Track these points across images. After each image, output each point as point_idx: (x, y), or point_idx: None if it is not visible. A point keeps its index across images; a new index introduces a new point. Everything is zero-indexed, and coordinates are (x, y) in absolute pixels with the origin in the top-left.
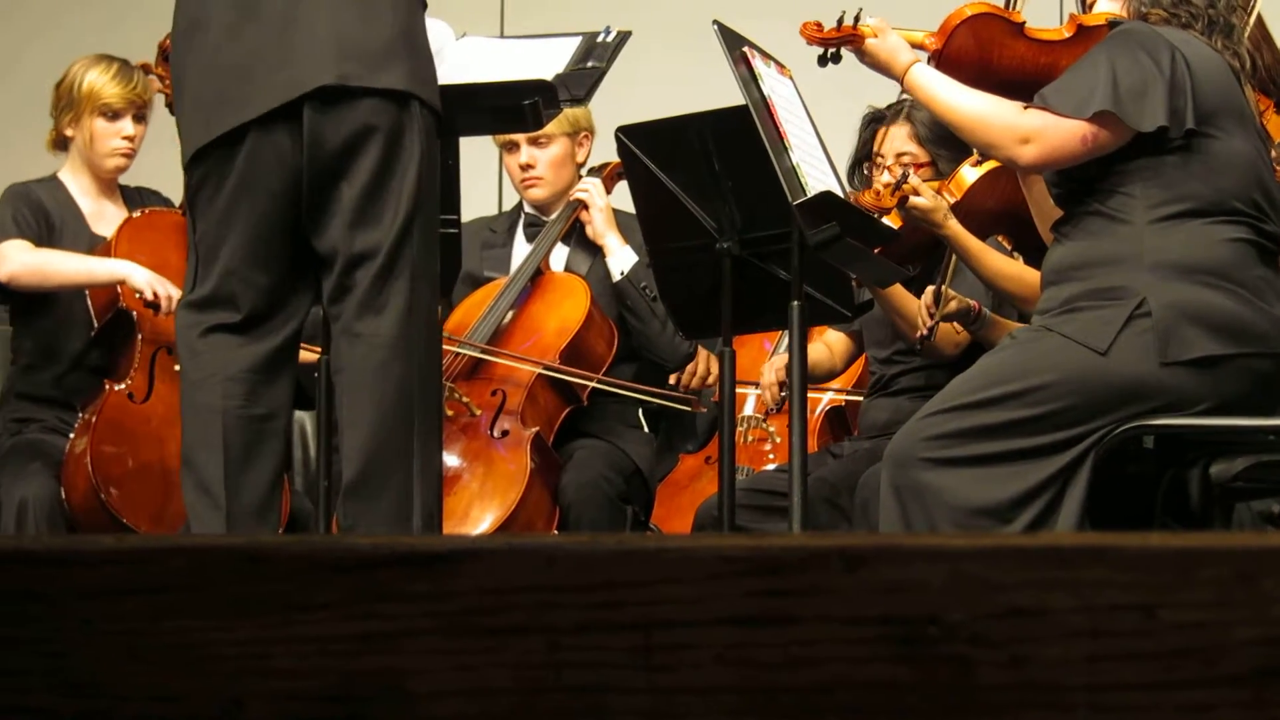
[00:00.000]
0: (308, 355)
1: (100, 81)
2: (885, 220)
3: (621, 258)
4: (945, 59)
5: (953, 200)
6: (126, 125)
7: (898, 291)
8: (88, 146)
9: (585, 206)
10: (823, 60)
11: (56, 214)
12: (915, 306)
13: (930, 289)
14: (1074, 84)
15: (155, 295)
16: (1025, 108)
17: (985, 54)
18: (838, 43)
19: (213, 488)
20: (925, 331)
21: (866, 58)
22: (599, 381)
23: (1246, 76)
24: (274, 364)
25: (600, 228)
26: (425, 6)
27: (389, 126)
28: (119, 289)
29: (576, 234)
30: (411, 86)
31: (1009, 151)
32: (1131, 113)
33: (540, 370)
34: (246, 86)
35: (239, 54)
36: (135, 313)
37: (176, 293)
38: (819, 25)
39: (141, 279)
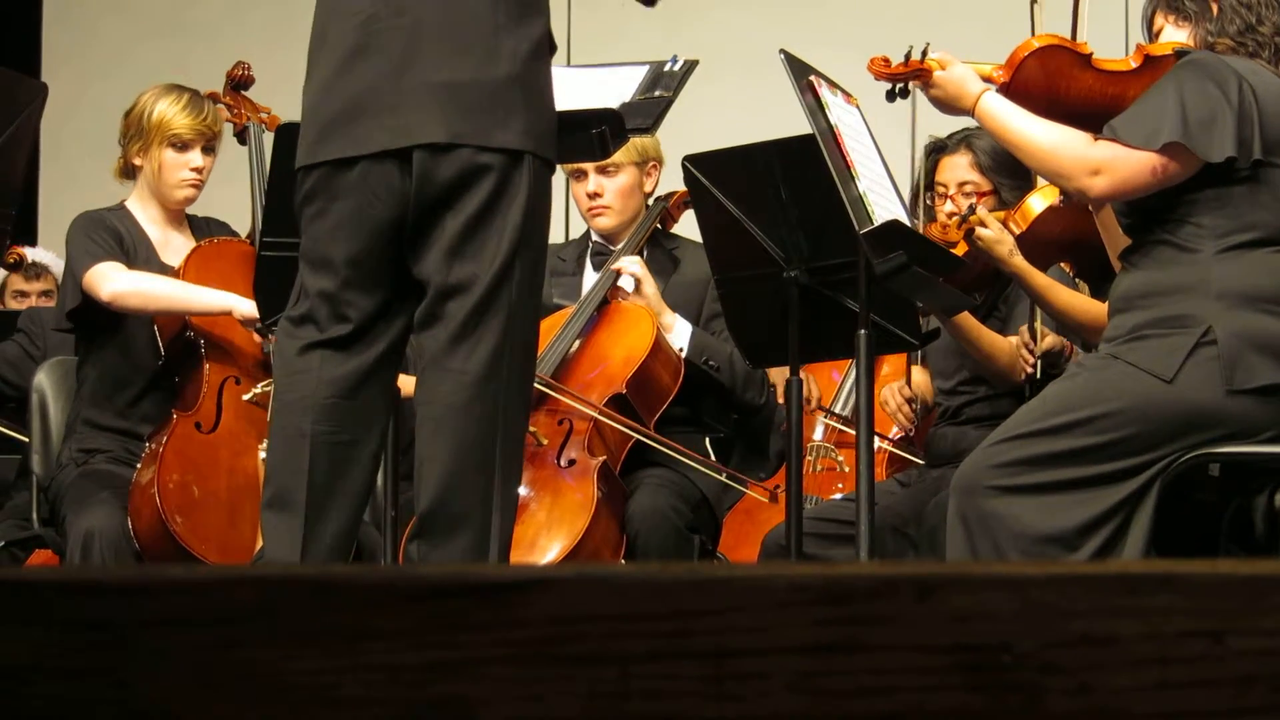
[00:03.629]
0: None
1: (170, 112)
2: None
3: (678, 333)
4: (1014, 91)
5: (1018, 230)
6: (195, 157)
7: (967, 320)
8: (156, 176)
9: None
10: (891, 95)
11: (129, 241)
12: (988, 335)
13: (1023, 328)
14: (1143, 115)
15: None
16: (1095, 139)
17: (1053, 85)
18: (906, 77)
19: (294, 511)
20: (1031, 370)
21: (935, 91)
22: (666, 447)
23: None
24: (367, 385)
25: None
26: (554, 50)
27: (498, 174)
28: (186, 319)
29: (643, 264)
30: (525, 144)
31: (1079, 183)
32: (1200, 144)
33: (595, 414)
34: (358, 121)
35: (356, 84)
36: (203, 341)
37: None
38: (886, 61)
39: (249, 308)
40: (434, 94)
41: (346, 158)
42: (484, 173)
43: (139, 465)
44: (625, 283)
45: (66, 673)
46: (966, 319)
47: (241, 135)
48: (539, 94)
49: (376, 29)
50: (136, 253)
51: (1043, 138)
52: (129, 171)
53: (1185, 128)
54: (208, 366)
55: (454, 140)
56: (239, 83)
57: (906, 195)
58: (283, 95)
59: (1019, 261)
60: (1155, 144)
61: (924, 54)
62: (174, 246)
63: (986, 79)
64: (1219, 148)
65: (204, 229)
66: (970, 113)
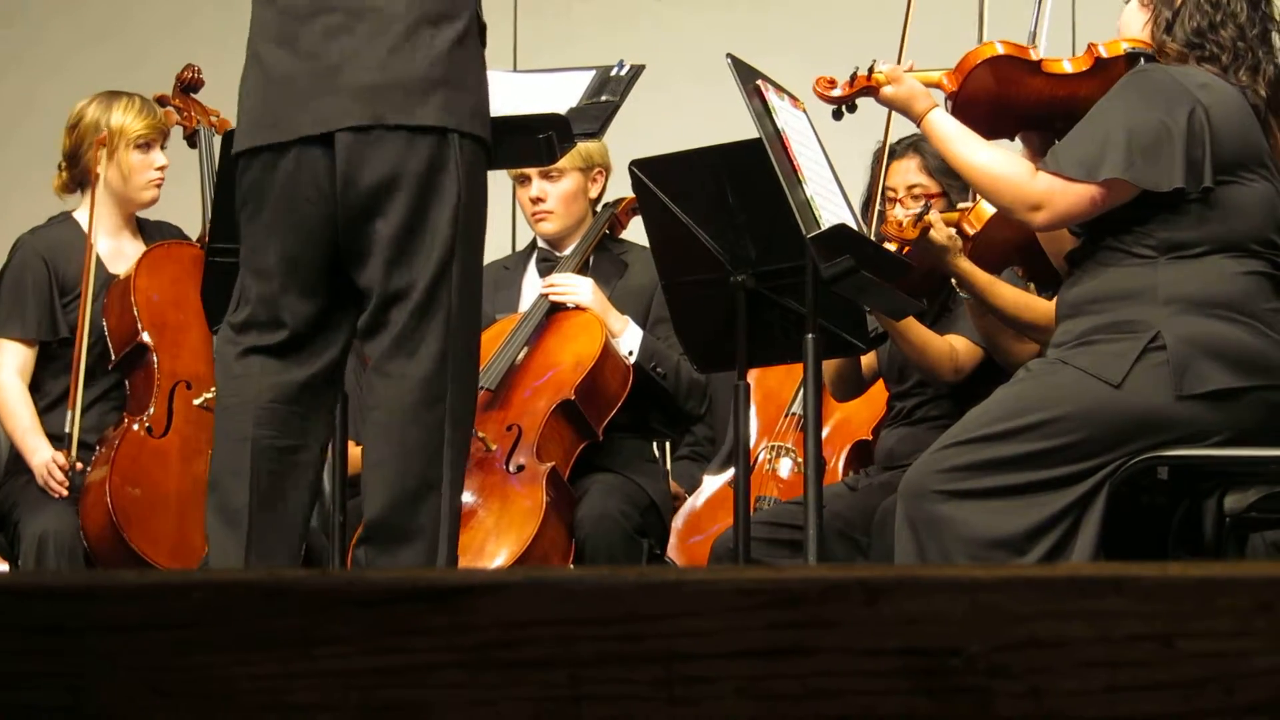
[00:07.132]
0: None
1: (127, 118)
2: (904, 252)
3: (628, 338)
4: (962, 99)
5: (973, 230)
6: (158, 156)
7: (910, 324)
8: (124, 181)
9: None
10: (837, 114)
11: (67, 258)
12: (921, 331)
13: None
14: (1085, 144)
15: (44, 481)
16: (1036, 170)
17: (1003, 92)
18: (853, 98)
19: (237, 516)
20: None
21: (883, 104)
22: None
23: (1271, 111)
24: (309, 393)
25: (600, 314)
26: (484, 33)
27: (424, 164)
28: (138, 323)
29: (591, 270)
30: (447, 121)
31: (1021, 216)
32: (1145, 176)
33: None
34: (286, 108)
35: (283, 73)
36: (154, 345)
37: (60, 485)
38: (831, 82)
39: (38, 462)
40: (356, 75)
41: (281, 144)
42: (405, 173)
43: (90, 469)
44: (560, 298)
45: (18, 677)
46: (910, 324)
47: (192, 138)
48: (463, 76)
49: (305, 27)
50: (81, 268)
51: (985, 168)
52: (72, 186)
53: (1129, 161)
54: (159, 372)
55: (375, 120)
56: (189, 85)
57: (858, 199)
58: (232, 98)
59: (963, 263)
60: (1096, 177)
61: (870, 71)
62: (125, 254)
63: (935, 86)
64: (1166, 178)
65: (155, 233)
66: (918, 126)
